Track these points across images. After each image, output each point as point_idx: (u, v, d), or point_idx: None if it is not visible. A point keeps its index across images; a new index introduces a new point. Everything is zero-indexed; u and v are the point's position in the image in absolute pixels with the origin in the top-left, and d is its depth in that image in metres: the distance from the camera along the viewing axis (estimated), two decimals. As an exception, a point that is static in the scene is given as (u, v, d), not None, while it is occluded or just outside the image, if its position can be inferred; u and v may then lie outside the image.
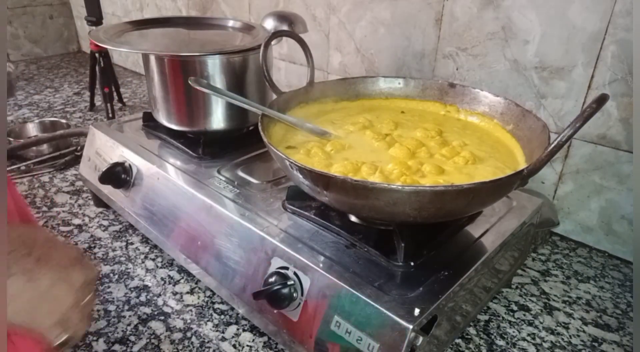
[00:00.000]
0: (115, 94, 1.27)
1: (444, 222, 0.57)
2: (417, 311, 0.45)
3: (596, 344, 0.60)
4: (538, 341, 0.60)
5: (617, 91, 0.69)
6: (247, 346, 0.58)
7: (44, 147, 1.03)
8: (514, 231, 0.59)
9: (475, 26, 0.81)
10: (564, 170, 0.78)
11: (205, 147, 0.75)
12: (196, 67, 0.71)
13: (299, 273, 0.51)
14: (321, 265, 0.50)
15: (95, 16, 1.21)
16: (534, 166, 0.46)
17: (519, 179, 0.48)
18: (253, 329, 0.61)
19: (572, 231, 0.81)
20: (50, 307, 0.35)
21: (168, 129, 0.79)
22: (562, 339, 0.61)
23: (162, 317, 0.62)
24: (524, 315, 0.65)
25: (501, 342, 0.60)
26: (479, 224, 0.60)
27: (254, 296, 0.50)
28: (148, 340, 0.59)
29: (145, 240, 0.78)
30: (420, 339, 0.44)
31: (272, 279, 0.51)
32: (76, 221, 0.83)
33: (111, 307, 0.64)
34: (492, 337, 0.61)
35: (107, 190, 0.78)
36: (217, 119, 0.75)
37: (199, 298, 0.66)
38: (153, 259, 0.74)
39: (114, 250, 0.75)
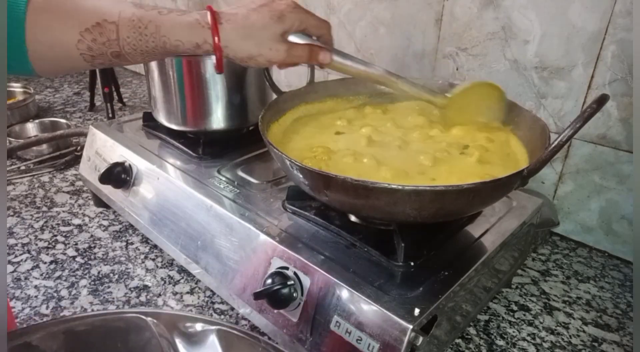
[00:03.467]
0: (115, 94, 1.27)
1: (444, 222, 0.57)
2: (417, 311, 0.45)
3: (596, 344, 0.60)
4: (538, 341, 0.60)
5: (617, 91, 0.69)
6: (247, 346, 0.58)
7: (44, 147, 1.03)
8: (514, 231, 0.59)
9: (475, 26, 0.81)
10: (564, 171, 0.78)
11: (205, 147, 0.75)
12: (196, 66, 0.71)
13: (299, 273, 0.51)
14: (321, 265, 0.50)
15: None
16: (534, 166, 0.46)
17: (519, 179, 0.48)
18: (253, 329, 0.61)
19: (572, 231, 0.81)
20: None
21: (168, 129, 0.79)
22: (562, 339, 0.61)
23: (162, 317, 0.62)
24: (524, 315, 0.65)
25: (501, 342, 0.60)
26: (479, 224, 0.60)
27: (254, 296, 0.50)
28: (148, 340, 0.59)
29: (145, 240, 0.78)
30: (420, 339, 0.44)
31: (272, 279, 0.51)
32: (76, 221, 0.83)
33: (111, 308, 0.64)
34: (492, 337, 0.61)
35: (107, 190, 0.78)
36: (217, 119, 0.75)
37: (199, 298, 0.66)
38: (153, 259, 0.74)
39: (114, 250, 0.75)
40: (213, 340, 0.43)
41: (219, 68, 0.50)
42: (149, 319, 0.43)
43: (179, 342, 0.43)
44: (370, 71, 0.58)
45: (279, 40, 0.50)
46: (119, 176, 0.74)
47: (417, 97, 0.62)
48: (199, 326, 0.44)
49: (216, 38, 0.48)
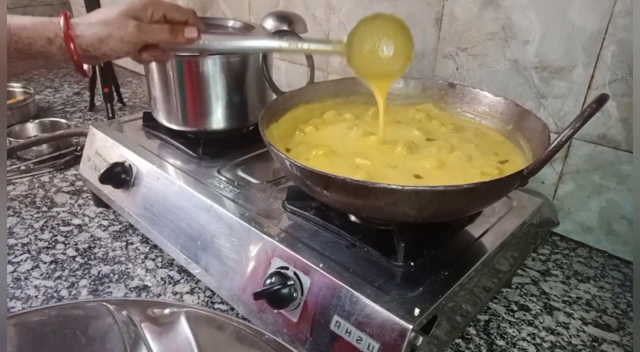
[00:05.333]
0: (115, 94, 1.27)
1: (444, 222, 0.57)
2: (417, 311, 0.45)
3: (596, 344, 0.60)
4: (538, 341, 0.60)
5: (617, 91, 0.69)
6: (247, 346, 0.58)
7: (44, 147, 1.03)
8: (514, 231, 0.59)
9: (475, 26, 0.81)
10: (564, 170, 0.78)
11: (205, 147, 0.75)
12: (196, 66, 0.71)
13: (299, 273, 0.51)
14: (321, 265, 0.50)
15: (95, 16, 1.21)
16: (534, 166, 0.46)
17: (519, 179, 0.48)
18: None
19: (572, 231, 0.81)
20: None
21: (168, 129, 0.79)
22: (562, 339, 0.61)
23: (162, 317, 0.62)
24: (524, 315, 0.65)
25: (501, 342, 0.60)
26: (479, 224, 0.60)
27: (254, 296, 0.50)
28: (148, 340, 0.59)
29: (145, 240, 0.78)
30: (420, 339, 0.44)
31: (272, 279, 0.51)
32: (76, 221, 0.83)
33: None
34: (492, 337, 0.61)
35: (107, 190, 0.78)
36: (217, 119, 0.75)
37: (199, 298, 0.66)
38: (153, 259, 0.74)
39: (114, 250, 0.75)
40: (182, 322, 0.42)
41: (77, 67, 0.50)
42: (111, 306, 0.42)
43: (145, 327, 0.42)
44: (249, 44, 0.56)
45: (127, 17, 0.50)
46: (119, 176, 0.74)
47: (312, 51, 0.61)
48: (167, 310, 0.43)
49: (66, 27, 0.49)
